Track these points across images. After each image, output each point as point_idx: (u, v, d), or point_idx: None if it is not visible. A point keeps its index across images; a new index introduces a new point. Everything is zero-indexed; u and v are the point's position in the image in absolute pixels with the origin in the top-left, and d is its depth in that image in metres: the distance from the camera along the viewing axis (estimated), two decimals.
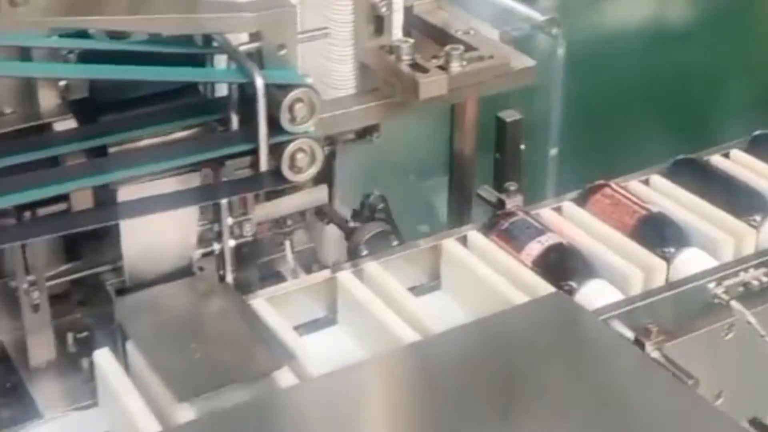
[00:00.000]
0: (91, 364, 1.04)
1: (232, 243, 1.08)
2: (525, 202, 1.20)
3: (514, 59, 1.19)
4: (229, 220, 1.07)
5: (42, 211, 0.91)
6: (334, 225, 1.26)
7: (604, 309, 1.01)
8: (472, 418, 0.85)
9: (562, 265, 1.08)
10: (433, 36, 1.24)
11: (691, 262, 1.10)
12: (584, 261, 1.09)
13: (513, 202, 1.18)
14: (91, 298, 1.12)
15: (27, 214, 0.90)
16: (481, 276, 1.08)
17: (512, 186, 1.20)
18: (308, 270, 1.23)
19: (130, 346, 0.99)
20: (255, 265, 1.16)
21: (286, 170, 0.96)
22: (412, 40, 1.15)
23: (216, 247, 1.08)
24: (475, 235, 1.14)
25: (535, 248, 1.09)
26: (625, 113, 1.87)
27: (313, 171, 0.98)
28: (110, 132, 0.97)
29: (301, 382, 0.94)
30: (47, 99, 0.96)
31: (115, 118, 1.00)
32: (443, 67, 1.13)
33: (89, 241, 1.08)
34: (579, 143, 1.78)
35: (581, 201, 1.19)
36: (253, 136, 0.95)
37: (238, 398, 0.91)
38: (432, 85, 1.11)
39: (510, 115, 1.28)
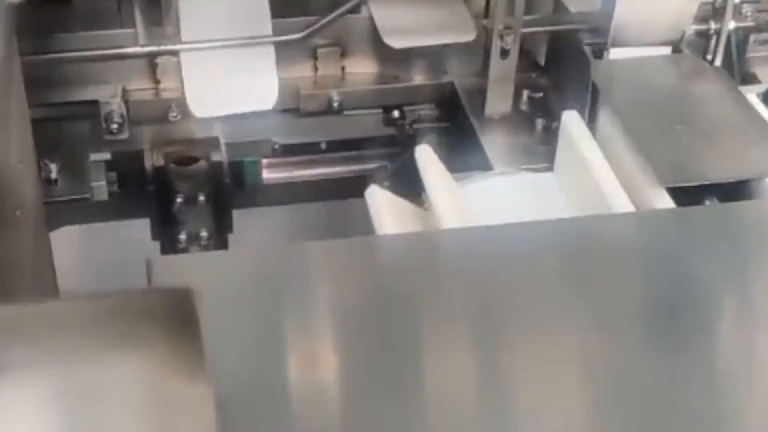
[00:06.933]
0: (545, 127, 0.97)
1: (731, 24, 0.94)
2: None
3: None
4: None
5: None
6: None
7: None
8: None
9: None
10: None
11: None
12: None
13: None
14: (553, 59, 1.03)
15: None
16: None
17: None
18: None
19: (604, 113, 0.88)
20: (744, 57, 1.01)
21: None
22: None
23: (713, 26, 0.94)
24: None
25: None
26: None
27: None
28: None
29: None
30: None
31: None
32: None
33: None
34: None
35: None
36: None
37: None
38: None
39: None
